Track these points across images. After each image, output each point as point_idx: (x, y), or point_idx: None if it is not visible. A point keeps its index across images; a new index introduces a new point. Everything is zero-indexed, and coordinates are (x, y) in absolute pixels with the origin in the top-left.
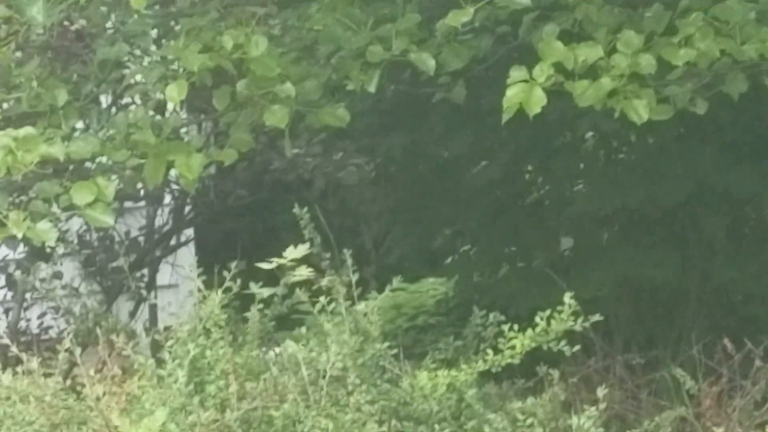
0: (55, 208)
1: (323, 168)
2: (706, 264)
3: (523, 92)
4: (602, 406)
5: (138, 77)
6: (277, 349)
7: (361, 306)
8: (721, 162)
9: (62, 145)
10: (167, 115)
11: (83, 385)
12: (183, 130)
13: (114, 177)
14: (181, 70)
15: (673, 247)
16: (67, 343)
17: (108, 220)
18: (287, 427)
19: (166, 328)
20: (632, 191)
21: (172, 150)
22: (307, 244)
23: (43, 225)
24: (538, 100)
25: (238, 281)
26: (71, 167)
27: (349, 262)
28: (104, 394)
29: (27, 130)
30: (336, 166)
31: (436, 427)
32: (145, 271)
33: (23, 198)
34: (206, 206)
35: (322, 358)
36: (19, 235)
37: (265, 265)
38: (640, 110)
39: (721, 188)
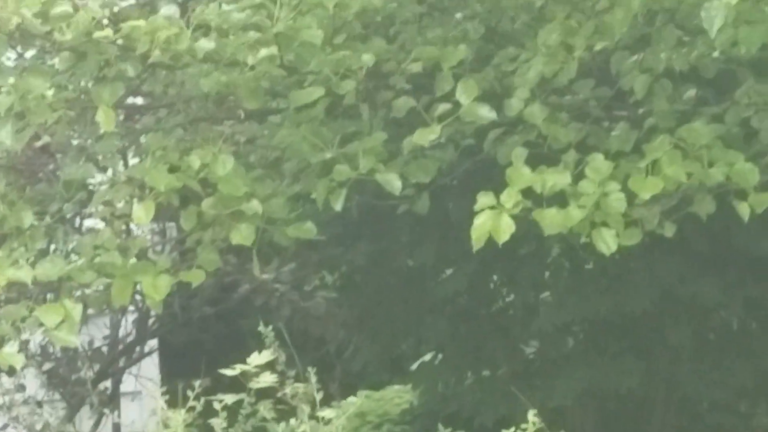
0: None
1: (290, 296)
2: (671, 372)
3: (492, 220)
4: None
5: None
6: None
7: (325, 413)
8: (686, 272)
9: (29, 269)
10: (132, 227)
11: None
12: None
13: (79, 294)
14: (147, 190)
15: (638, 355)
16: None
17: (74, 340)
18: None
19: None
20: (597, 301)
21: (139, 271)
22: (271, 350)
23: (10, 349)
24: (506, 228)
25: (202, 397)
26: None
27: (313, 379)
28: None
29: None
30: (303, 295)
31: None
32: (109, 382)
33: None
34: (170, 317)
35: None
36: None
37: (229, 372)
38: (609, 240)
39: (686, 298)
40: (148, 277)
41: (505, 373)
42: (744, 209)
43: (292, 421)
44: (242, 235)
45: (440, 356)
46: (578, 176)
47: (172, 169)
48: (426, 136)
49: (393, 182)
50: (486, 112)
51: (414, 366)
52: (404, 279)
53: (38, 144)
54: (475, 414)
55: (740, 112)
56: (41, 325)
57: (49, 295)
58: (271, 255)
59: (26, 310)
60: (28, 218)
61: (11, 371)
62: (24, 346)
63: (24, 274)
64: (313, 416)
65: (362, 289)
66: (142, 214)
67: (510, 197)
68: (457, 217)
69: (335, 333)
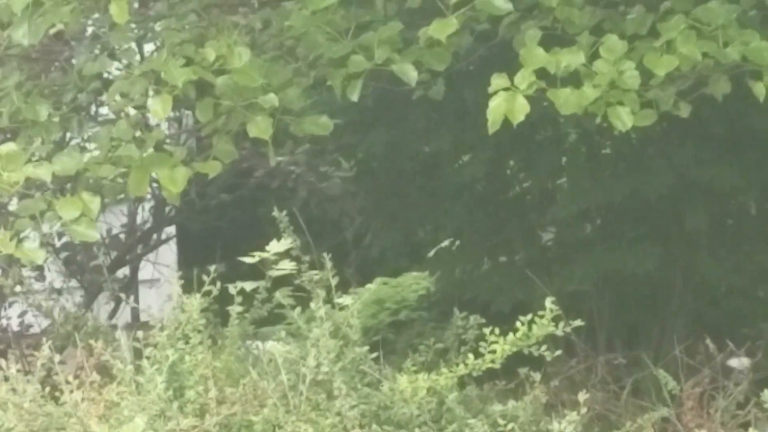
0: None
1: (307, 177)
2: (688, 258)
3: (506, 102)
4: (583, 410)
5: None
6: (258, 345)
7: (342, 299)
8: (703, 156)
9: (48, 165)
10: (148, 116)
11: (62, 391)
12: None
13: (94, 182)
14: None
15: (655, 241)
16: (45, 350)
17: (93, 234)
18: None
19: (145, 325)
20: (615, 186)
21: (156, 163)
22: (291, 240)
23: (31, 244)
24: (521, 109)
25: (218, 282)
26: None
27: (328, 265)
28: (83, 400)
29: (9, 147)
30: (320, 176)
31: (417, 431)
32: (127, 269)
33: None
34: (187, 204)
35: (303, 363)
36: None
37: (248, 260)
38: (624, 118)
39: (703, 182)
40: (164, 169)
41: (522, 259)
42: (759, 89)
43: (310, 305)
44: (259, 127)
45: (457, 242)
46: (593, 57)
47: (188, 62)
48: (443, 30)
49: (409, 72)
50: (502, 3)
51: (431, 253)
52: (421, 166)
53: (52, 31)
54: (491, 299)
55: None
56: (59, 218)
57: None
58: (285, 138)
59: (44, 203)
60: (44, 111)
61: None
62: (45, 239)
63: (43, 172)
64: (329, 301)
65: (379, 176)
66: (159, 108)
67: (524, 78)
68: (473, 103)
69: (352, 216)
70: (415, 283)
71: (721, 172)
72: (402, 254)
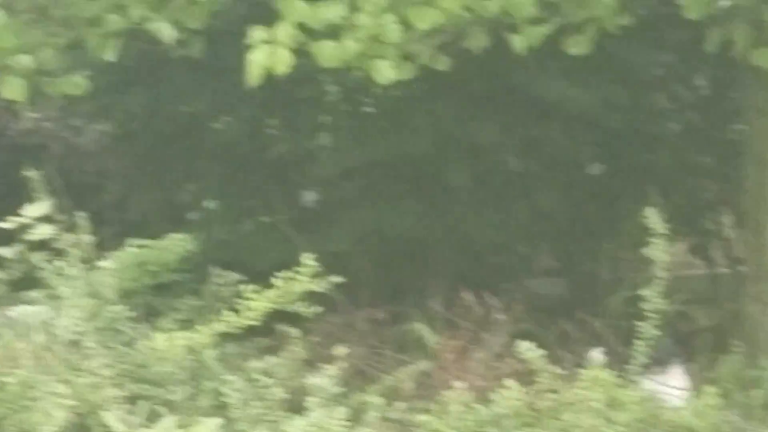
0: None
1: (60, 133)
2: (451, 214)
3: (267, 54)
4: (342, 364)
5: None
6: (13, 311)
7: (102, 263)
8: (464, 113)
9: None
10: None
11: None
12: None
13: None
14: None
15: (417, 198)
16: None
17: None
18: (21, 393)
19: None
20: (377, 144)
21: None
22: (48, 203)
23: None
24: (283, 61)
25: None
26: None
27: (85, 225)
28: None
29: None
30: (74, 131)
31: (174, 389)
32: None
33: None
34: None
35: (57, 323)
36: None
37: (3, 225)
38: (384, 71)
39: (464, 139)
40: None
41: (283, 220)
42: (518, 42)
43: (63, 265)
44: (13, 89)
45: (218, 203)
46: (353, 10)
47: None
48: None
49: (165, 31)
50: None
51: (193, 214)
52: (181, 126)
53: None
54: (253, 260)
55: None
56: None
57: None
58: (40, 98)
59: None
60: None
61: None
62: None
63: None
64: (87, 261)
65: (138, 137)
66: None
67: (284, 30)
68: (232, 62)
69: (112, 174)
70: (177, 245)
71: (482, 129)
72: (164, 216)
